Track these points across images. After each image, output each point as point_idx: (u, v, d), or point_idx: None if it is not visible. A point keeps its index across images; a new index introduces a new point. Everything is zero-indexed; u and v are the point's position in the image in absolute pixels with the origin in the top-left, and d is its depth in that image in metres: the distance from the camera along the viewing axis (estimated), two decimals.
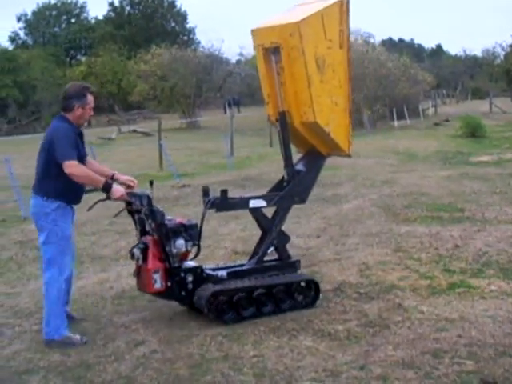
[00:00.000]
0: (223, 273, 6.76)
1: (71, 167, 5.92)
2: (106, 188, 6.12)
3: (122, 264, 8.80)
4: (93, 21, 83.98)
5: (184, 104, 46.49)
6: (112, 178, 6.53)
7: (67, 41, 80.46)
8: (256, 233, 10.19)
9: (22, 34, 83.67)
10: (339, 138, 7.16)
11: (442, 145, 25.90)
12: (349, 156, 7.55)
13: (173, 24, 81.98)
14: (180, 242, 6.38)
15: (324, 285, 7.46)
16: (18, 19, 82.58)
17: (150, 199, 6.34)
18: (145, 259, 6.36)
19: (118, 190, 6.18)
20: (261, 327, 6.26)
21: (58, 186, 6.05)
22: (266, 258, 7.15)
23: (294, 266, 7.23)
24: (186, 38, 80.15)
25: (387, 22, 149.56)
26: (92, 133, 40.96)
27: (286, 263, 7.21)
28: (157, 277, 6.27)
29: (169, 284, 6.37)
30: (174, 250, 6.37)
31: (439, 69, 73.80)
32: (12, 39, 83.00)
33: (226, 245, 9.59)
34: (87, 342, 6.05)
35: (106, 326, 6.55)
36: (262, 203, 7.04)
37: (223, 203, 6.76)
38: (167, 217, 6.51)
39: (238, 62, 62.18)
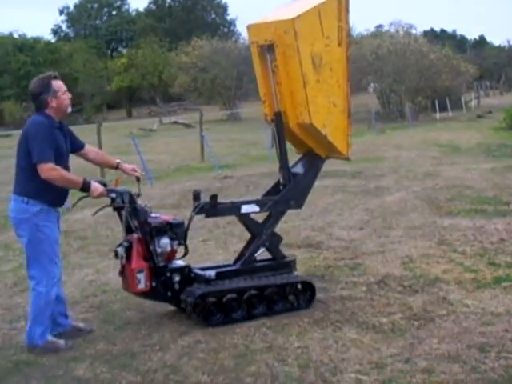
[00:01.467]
0: (212, 273, 6.51)
1: (47, 171, 5.56)
2: (85, 188, 5.77)
3: None
4: (134, 13, 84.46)
5: (225, 96, 46.65)
6: (117, 167, 6.41)
7: (108, 33, 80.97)
8: (298, 224, 10.25)
9: (64, 26, 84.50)
10: (337, 141, 6.84)
11: (484, 137, 25.59)
12: (348, 159, 7.19)
13: (213, 16, 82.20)
14: (165, 240, 6.15)
15: (368, 277, 7.45)
16: (61, 12, 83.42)
17: (131, 196, 6.07)
18: (129, 258, 6.13)
19: (96, 188, 5.82)
20: (305, 319, 6.27)
21: (38, 186, 5.66)
22: (259, 258, 6.92)
23: (289, 266, 6.97)
24: (226, 29, 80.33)
25: (429, 12, 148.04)
26: (133, 124, 41.31)
27: (280, 263, 6.94)
28: (141, 276, 6.04)
29: (153, 284, 6.14)
30: (159, 249, 6.14)
31: (482, 60, 72.92)
32: (54, 32, 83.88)
33: None
34: (72, 347, 5.83)
35: (149, 315, 6.59)
36: (254, 208, 6.76)
37: (212, 209, 6.51)
38: (153, 214, 6.31)
39: None
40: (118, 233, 10.33)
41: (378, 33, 58.00)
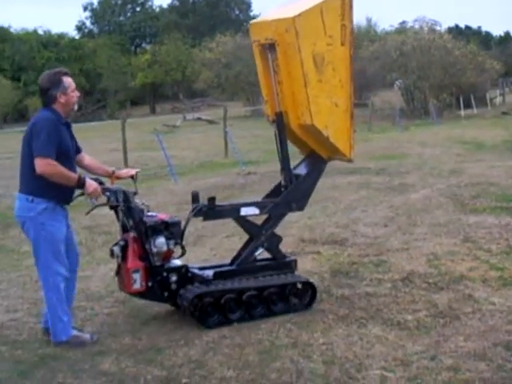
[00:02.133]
0: (209, 273, 6.42)
1: (43, 166, 5.49)
2: (80, 184, 5.68)
3: (189, 250, 8.84)
4: (157, 9, 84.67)
5: (248, 92, 46.58)
6: (112, 175, 6.26)
7: (132, 29, 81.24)
8: (322, 221, 10.24)
9: (88, 23, 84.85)
10: (339, 142, 6.68)
11: (510, 134, 25.36)
12: (350, 161, 7.07)
13: (237, 12, 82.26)
14: (160, 240, 6.03)
15: (392, 274, 7.43)
16: (85, 8, 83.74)
17: (126, 195, 5.97)
18: (124, 258, 6.05)
19: (90, 184, 5.72)
20: (329, 315, 6.26)
21: (43, 184, 5.58)
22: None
23: (289, 266, 6.82)
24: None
25: (453, 9, 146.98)
26: (157, 120, 41.47)
27: (281, 263, 6.80)
28: (136, 276, 5.95)
29: (150, 284, 6.05)
30: (154, 249, 6.04)
31: (507, 56, 72.15)
32: (78, 28, 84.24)
33: (292, 232, 9.58)
34: (97, 341, 5.86)
35: (174, 311, 6.57)
36: (254, 211, 6.61)
37: (210, 211, 6.39)
38: (149, 213, 6.21)
39: None
40: None
41: (402, 29, 57.71)
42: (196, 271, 6.42)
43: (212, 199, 6.38)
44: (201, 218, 6.49)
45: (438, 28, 48.10)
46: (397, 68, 41.77)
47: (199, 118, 41.51)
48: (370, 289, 6.99)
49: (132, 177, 6.41)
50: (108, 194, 5.95)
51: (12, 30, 66.55)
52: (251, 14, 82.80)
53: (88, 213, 6.37)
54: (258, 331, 5.96)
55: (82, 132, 37.00)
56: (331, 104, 6.54)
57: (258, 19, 6.95)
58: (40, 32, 66.50)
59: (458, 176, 14.40)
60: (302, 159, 7.03)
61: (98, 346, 5.81)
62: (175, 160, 17.71)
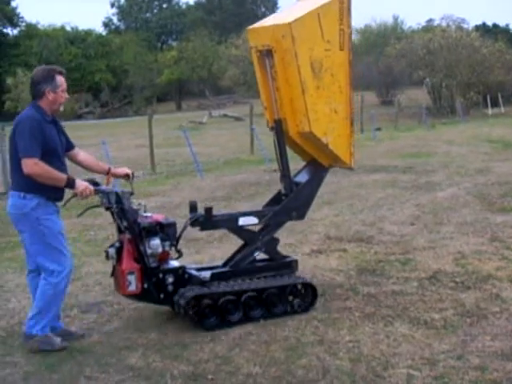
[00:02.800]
0: (206, 274, 6.32)
1: (29, 166, 5.41)
2: (70, 184, 5.58)
3: (215, 246, 8.90)
4: (184, 6, 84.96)
5: None
6: (108, 172, 6.16)
7: (159, 26, 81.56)
8: (348, 218, 10.23)
9: (115, 19, 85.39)
10: (339, 150, 6.59)
11: None
12: (351, 169, 6.97)
13: (263, 9, 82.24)
14: (155, 241, 5.93)
15: (419, 272, 7.41)
16: (112, 5, 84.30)
17: (118, 196, 5.83)
18: (119, 259, 5.96)
19: (81, 184, 5.63)
20: (356, 313, 6.25)
21: (33, 180, 5.49)
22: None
23: (289, 266, 6.69)
24: None
25: (481, 6, 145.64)
26: (183, 117, 41.59)
27: (280, 264, 6.68)
28: (131, 278, 5.85)
29: (145, 286, 5.94)
30: (149, 251, 5.93)
31: None
32: (105, 25, 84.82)
33: (319, 230, 9.58)
34: (66, 348, 5.68)
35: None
36: (253, 220, 6.49)
37: (207, 221, 6.30)
38: (144, 213, 6.07)
39: None
40: None
41: (429, 27, 57.44)
42: (193, 272, 6.32)
43: (209, 209, 6.30)
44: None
45: (465, 26, 47.92)
46: (424, 66, 41.56)
47: (225, 115, 41.62)
48: (397, 287, 6.97)
49: (128, 176, 6.29)
50: (100, 195, 5.88)
51: (40, 26, 67.18)
52: (277, 11, 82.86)
53: (80, 215, 6.29)
54: (284, 328, 5.96)
55: (108, 128, 37.36)
56: (330, 111, 6.45)
57: (256, 25, 6.80)
58: (67, 28, 67.01)
59: (485, 175, 14.31)
60: (303, 167, 6.96)
61: (124, 341, 5.84)
62: (201, 157, 17.72)
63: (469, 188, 12.63)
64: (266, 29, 6.53)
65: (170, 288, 6.06)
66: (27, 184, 5.51)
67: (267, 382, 4.97)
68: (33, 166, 5.41)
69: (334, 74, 6.41)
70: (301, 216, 6.77)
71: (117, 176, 6.30)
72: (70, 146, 6.02)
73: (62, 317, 6.40)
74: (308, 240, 9.02)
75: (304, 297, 6.39)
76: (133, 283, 5.87)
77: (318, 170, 6.82)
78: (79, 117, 53.64)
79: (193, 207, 6.31)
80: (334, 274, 7.48)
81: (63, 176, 5.57)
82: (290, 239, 8.74)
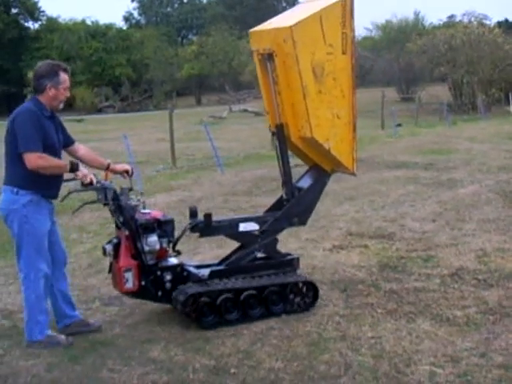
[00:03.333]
0: (205, 272, 6.24)
1: (34, 160, 5.35)
2: (73, 168, 5.53)
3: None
4: (204, 1, 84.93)
5: None
6: (107, 168, 6.05)
7: (179, 21, 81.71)
8: (369, 214, 10.20)
9: (135, 13, 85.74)
10: (342, 155, 6.46)
11: None
12: (353, 175, 6.87)
13: (284, 4, 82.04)
14: (153, 238, 5.87)
15: (441, 269, 7.37)
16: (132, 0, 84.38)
17: (115, 192, 5.78)
18: (117, 256, 5.92)
19: (84, 170, 5.63)
20: (378, 309, 6.23)
21: (28, 175, 5.43)
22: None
23: (291, 264, 6.58)
24: None
25: (503, 2, 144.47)
26: (203, 111, 41.63)
27: (281, 261, 6.58)
28: (128, 275, 5.80)
29: (143, 283, 5.89)
30: (147, 247, 5.88)
31: None
32: (126, 19, 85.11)
33: (340, 225, 9.56)
34: (72, 344, 5.66)
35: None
36: (253, 226, 6.39)
37: (207, 228, 6.22)
38: (144, 210, 6.03)
39: None
40: None
41: (451, 23, 57.12)
42: (192, 270, 6.26)
43: (208, 216, 6.22)
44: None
45: (487, 22, 47.57)
46: (445, 62, 41.33)
47: (245, 110, 41.61)
48: (419, 284, 6.94)
49: (127, 173, 6.18)
50: (97, 192, 5.82)
51: (61, 20, 67.48)
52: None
53: (75, 211, 6.29)
54: (305, 323, 5.96)
55: (128, 122, 37.49)
56: (332, 116, 6.33)
57: (258, 27, 6.71)
58: (88, 22, 67.22)
59: (507, 172, 14.19)
60: (305, 172, 6.86)
61: (146, 334, 5.86)
62: (221, 151, 17.72)
63: (491, 185, 12.54)
64: (268, 32, 6.42)
65: (168, 285, 6.02)
66: (22, 179, 5.46)
67: (289, 377, 4.97)
68: (37, 159, 5.37)
69: (336, 79, 6.28)
70: (302, 222, 6.68)
71: (116, 172, 6.17)
72: (69, 142, 5.97)
73: (84, 309, 6.46)
74: (329, 236, 9.00)
75: (305, 295, 6.31)
76: (130, 280, 5.83)
77: (320, 175, 6.70)
78: (99, 110, 53.87)
79: (193, 213, 6.21)
80: (356, 270, 7.46)
81: (66, 162, 5.55)
82: (312, 234, 8.72)
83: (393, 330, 5.76)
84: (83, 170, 5.63)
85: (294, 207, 6.55)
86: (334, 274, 7.36)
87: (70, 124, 35.09)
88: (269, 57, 6.34)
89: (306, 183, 6.71)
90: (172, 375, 5.07)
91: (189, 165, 17.29)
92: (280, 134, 6.49)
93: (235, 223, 6.39)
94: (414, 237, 8.81)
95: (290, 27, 6.00)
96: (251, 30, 6.79)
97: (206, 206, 11.35)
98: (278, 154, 6.61)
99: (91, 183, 5.64)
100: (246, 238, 6.50)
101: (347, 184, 12.20)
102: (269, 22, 6.77)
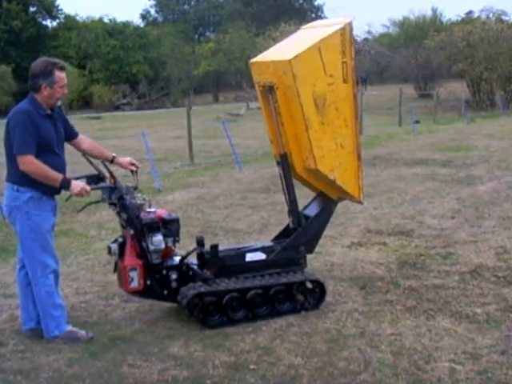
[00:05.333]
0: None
1: (25, 164, 5.33)
2: (64, 185, 5.46)
3: (255, 238, 8.90)
4: None
5: None
6: (112, 161, 6.04)
7: (196, 18, 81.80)
8: (388, 212, 10.18)
9: (152, 11, 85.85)
10: (347, 185, 6.48)
11: None
12: (360, 203, 6.91)
13: (300, 1, 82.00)
14: (157, 238, 5.85)
15: (460, 266, 7.35)
16: None
17: (120, 192, 5.78)
18: (122, 255, 5.92)
19: (76, 185, 5.49)
20: (397, 306, 6.23)
21: (27, 173, 5.43)
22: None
23: (298, 263, 6.52)
24: (313, 15, 79.94)
25: None
26: (220, 109, 41.68)
27: (288, 259, 6.49)
28: (133, 275, 5.80)
29: (148, 282, 5.89)
30: (152, 247, 5.86)
31: None
32: (143, 16, 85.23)
33: (358, 222, 9.55)
34: (93, 338, 5.70)
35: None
36: (260, 256, 6.35)
37: (213, 258, 6.18)
38: (149, 209, 6.01)
39: (366, 39, 61.61)
40: (208, 215, 10.50)
41: (469, 19, 56.84)
42: (197, 269, 6.23)
43: (214, 247, 6.21)
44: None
45: (505, 18, 47.27)
46: (463, 59, 41.10)
47: None
48: (438, 281, 6.93)
49: (132, 171, 6.14)
50: (102, 191, 5.84)
51: (78, 18, 67.62)
52: (315, 3, 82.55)
53: (80, 211, 6.31)
54: (325, 320, 5.96)
55: (146, 119, 37.63)
56: (336, 146, 6.30)
57: (258, 58, 6.67)
58: (105, 20, 67.32)
59: None
60: (312, 199, 6.84)
61: (166, 330, 5.89)
62: (239, 148, 17.70)
63: (510, 182, 12.46)
64: (267, 64, 6.37)
65: (174, 284, 6.01)
66: (21, 177, 5.44)
67: (309, 373, 4.98)
68: (28, 164, 5.34)
69: (338, 108, 6.23)
70: (309, 250, 6.63)
71: (121, 165, 6.14)
72: (73, 135, 5.95)
73: (104, 305, 6.50)
74: (348, 233, 9.00)
75: (312, 294, 6.28)
76: (135, 280, 5.83)
77: (326, 203, 6.68)
78: (117, 108, 53.99)
79: (200, 242, 6.22)
80: (375, 267, 7.46)
81: (58, 176, 5.44)
82: (330, 231, 8.70)
83: (412, 326, 5.76)
84: (77, 183, 5.54)
85: (300, 236, 6.51)
86: (353, 271, 7.36)
87: (88, 121, 35.39)
88: (270, 89, 6.27)
89: (312, 211, 6.69)
90: (192, 371, 5.09)
91: (206, 162, 17.30)
92: (284, 163, 6.46)
93: (242, 253, 6.37)
94: (433, 234, 8.79)
95: (289, 60, 5.94)
96: (252, 60, 6.72)
97: (224, 204, 11.39)
98: (282, 183, 6.59)
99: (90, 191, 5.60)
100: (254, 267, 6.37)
101: (365, 181, 12.00)
102: (268, 51, 6.74)
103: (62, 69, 5.59)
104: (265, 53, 6.77)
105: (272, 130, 6.55)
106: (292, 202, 6.58)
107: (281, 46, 6.76)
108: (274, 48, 6.83)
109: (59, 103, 5.71)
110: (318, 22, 6.91)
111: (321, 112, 6.14)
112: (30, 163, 5.35)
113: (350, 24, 6.21)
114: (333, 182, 6.42)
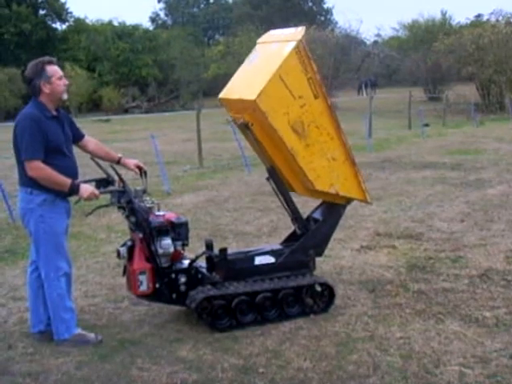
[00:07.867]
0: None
1: (33, 170, 5.34)
2: (73, 190, 5.46)
3: (264, 241, 8.90)
4: (230, 1, 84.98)
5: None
6: (118, 162, 6.05)
7: (205, 21, 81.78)
8: (397, 215, 10.16)
9: (162, 14, 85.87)
10: (351, 192, 6.44)
11: None
12: (369, 203, 6.88)
13: (310, 4, 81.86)
14: (166, 241, 5.84)
15: (470, 270, 7.34)
16: (159, 0, 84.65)
17: (129, 196, 5.76)
18: (131, 259, 5.91)
19: (85, 189, 5.50)
20: (406, 309, 6.22)
21: None
22: None
23: (307, 266, 6.46)
24: (323, 18, 79.89)
25: None
26: None
27: (296, 262, 6.44)
28: (142, 278, 5.78)
29: (157, 286, 5.86)
30: (161, 250, 5.84)
31: None
32: (152, 19, 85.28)
33: (367, 225, 9.55)
34: (102, 341, 5.71)
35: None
36: (269, 259, 6.30)
37: (222, 261, 6.14)
38: (158, 212, 6.01)
39: (375, 42, 61.55)
40: (217, 218, 10.50)
41: (478, 22, 56.69)
42: (206, 272, 6.19)
43: (223, 250, 6.20)
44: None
45: None
46: (472, 62, 40.99)
47: None
48: (447, 284, 6.92)
49: (139, 168, 6.12)
50: (110, 195, 5.80)
51: (88, 21, 67.64)
52: (324, 6, 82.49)
53: (89, 214, 6.33)
54: (334, 323, 5.96)
55: (155, 122, 37.56)
56: (328, 161, 6.22)
57: (225, 93, 6.51)
58: (115, 23, 67.32)
59: None
60: (320, 203, 6.76)
61: (175, 333, 5.90)
62: (248, 151, 17.68)
63: None
64: (236, 101, 6.25)
65: (183, 288, 5.98)
66: (34, 180, 5.43)
67: (318, 377, 4.98)
68: (36, 169, 5.36)
69: (318, 126, 6.11)
70: (319, 254, 6.59)
71: (128, 167, 6.14)
72: (79, 136, 5.94)
73: (113, 308, 6.51)
74: (357, 236, 8.99)
75: (321, 297, 6.28)
76: (144, 283, 5.82)
77: (335, 207, 6.62)
78: (126, 111, 54.04)
79: (209, 245, 6.22)
80: (384, 270, 7.45)
81: (67, 181, 5.43)
82: (339, 235, 8.69)
83: (421, 330, 5.75)
84: (86, 187, 5.55)
85: (310, 239, 6.48)
86: (362, 274, 7.36)
87: (97, 124, 35.43)
88: (245, 126, 6.12)
89: (321, 215, 6.66)
90: (201, 374, 5.09)
91: (216, 165, 17.31)
92: (274, 176, 6.40)
93: (251, 257, 6.33)
94: (442, 237, 8.77)
95: (255, 100, 5.78)
96: (220, 96, 6.54)
97: (233, 206, 11.39)
98: (278, 196, 6.54)
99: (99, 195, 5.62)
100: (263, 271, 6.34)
101: (375, 184, 12.17)
102: (234, 83, 6.54)
103: (50, 62, 5.59)
104: (230, 84, 6.60)
105: (256, 151, 6.50)
106: (293, 211, 6.54)
107: (244, 72, 6.53)
108: (238, 78, 6.59)
109: (66, 100, 5.72)
110: (272, 33, 6.77)
111: (303, 136, 6.03)
112: (38, 168, 5.36)
113: (302, 39, 5.98)
114: (336, 194, 6.41)
